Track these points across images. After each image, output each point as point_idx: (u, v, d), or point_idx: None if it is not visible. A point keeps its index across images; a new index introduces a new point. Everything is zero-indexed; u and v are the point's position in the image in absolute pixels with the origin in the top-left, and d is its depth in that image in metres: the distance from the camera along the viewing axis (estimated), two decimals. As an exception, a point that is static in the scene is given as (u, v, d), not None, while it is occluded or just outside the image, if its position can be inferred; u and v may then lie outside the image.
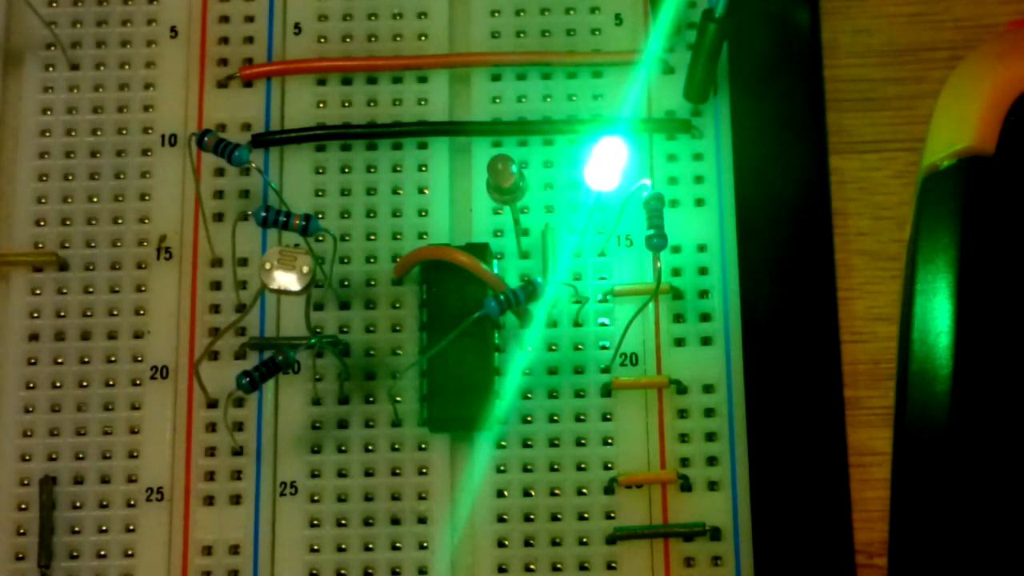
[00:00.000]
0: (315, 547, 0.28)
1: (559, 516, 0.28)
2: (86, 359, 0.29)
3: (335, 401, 0.29)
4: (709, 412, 0.28)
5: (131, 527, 0.28)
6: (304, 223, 0.26)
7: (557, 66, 0.30)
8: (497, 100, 0.30)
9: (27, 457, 0.28)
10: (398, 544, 0.28)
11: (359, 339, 0.29)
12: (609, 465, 0.28)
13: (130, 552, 0.28)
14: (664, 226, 0.26)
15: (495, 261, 0.29)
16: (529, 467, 0.28)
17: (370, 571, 0.28)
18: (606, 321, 0.29)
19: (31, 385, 0.29)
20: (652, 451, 0.28)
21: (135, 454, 0.28)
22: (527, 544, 0.28)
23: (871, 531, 0.28)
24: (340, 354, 0.28)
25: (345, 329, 0.29)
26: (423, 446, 0.28)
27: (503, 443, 0.28)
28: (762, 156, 0.29)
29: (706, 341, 0.29)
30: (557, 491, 0.28)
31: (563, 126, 0.30)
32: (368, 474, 0.28)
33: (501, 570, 0.28)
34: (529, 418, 0.28)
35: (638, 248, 0.29)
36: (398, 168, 0.30)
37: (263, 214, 0.26)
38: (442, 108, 0.30)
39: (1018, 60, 0.28)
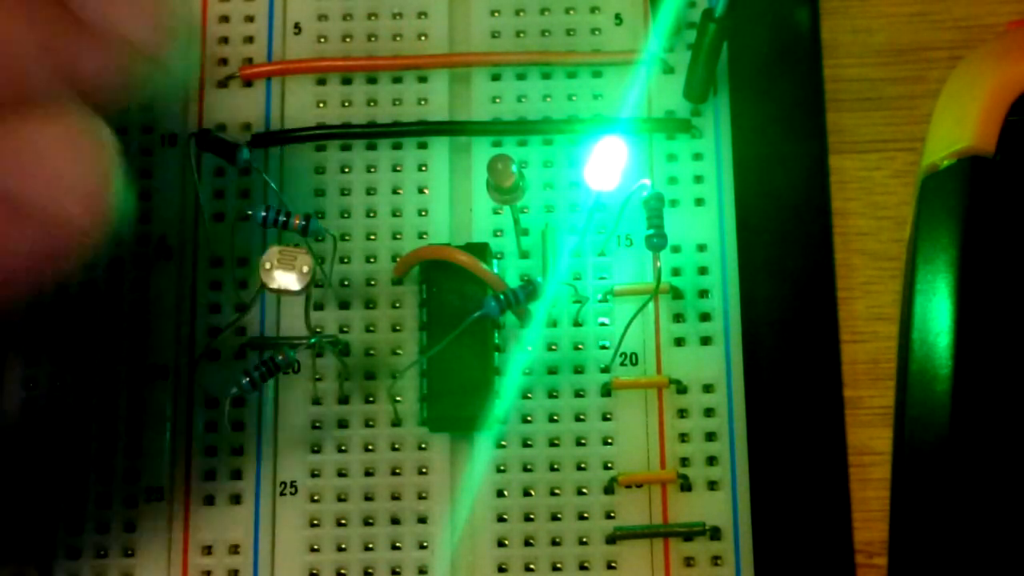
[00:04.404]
0: (315, 547, 0.28)
1: (559, 516, 0.28)
2: (86, 359, 0.29)
3: (335, 401, 0.29)
4: (709, 412, 0.28)
5: (131, 527, 0.28)
6: (304, 223, 0.26)
7: (557, 66, 0.30)
8: (497, 100, 0.30)
9: (27, 457, 0.28)
10: (398, 544, 0.28)
11: (359, 339, 0.29)
12: (609, 465, 0.28)
13: (130, 552, 0.28)
14: (664, 226, 0.27)
15: (495, 261, 0.29)
16: (529, 467, 0.28)
17: (370, 571, 0.28)
18: (606, 321, 0.29)
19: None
20: (652, 451, 0.28)
21: (135, 453, 0.28)
22: (527, 544, 0.28)
23: (871, 531, 0.28)
24: (340, 354, 0.28)
25: (345, 329, 0.29)
26: (423, 446, 0.28)
27: (503, 443, 0.28)
28: (762, 156, 0.29)
29: (706, 341, 0.29)
30: (557, 491, 0.28)
31: (563, 126, 0.30)
32: (368, 474, 0.28)
33: (501, 570, 0.28)
34: (529, 418, 0.28)
35: (638, 248, 0.29)
36: (398, 168, 0.30)
37: (263, 214, 0.26)
38: (442, 108, 0.30)
39: (1018, 60, 0.28)
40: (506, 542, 0.28)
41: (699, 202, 0.30)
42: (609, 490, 0.28)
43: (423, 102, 0.30)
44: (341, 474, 0.28)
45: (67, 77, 0.19)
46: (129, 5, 0.20)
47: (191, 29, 0.22)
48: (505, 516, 0.28)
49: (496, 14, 0.31)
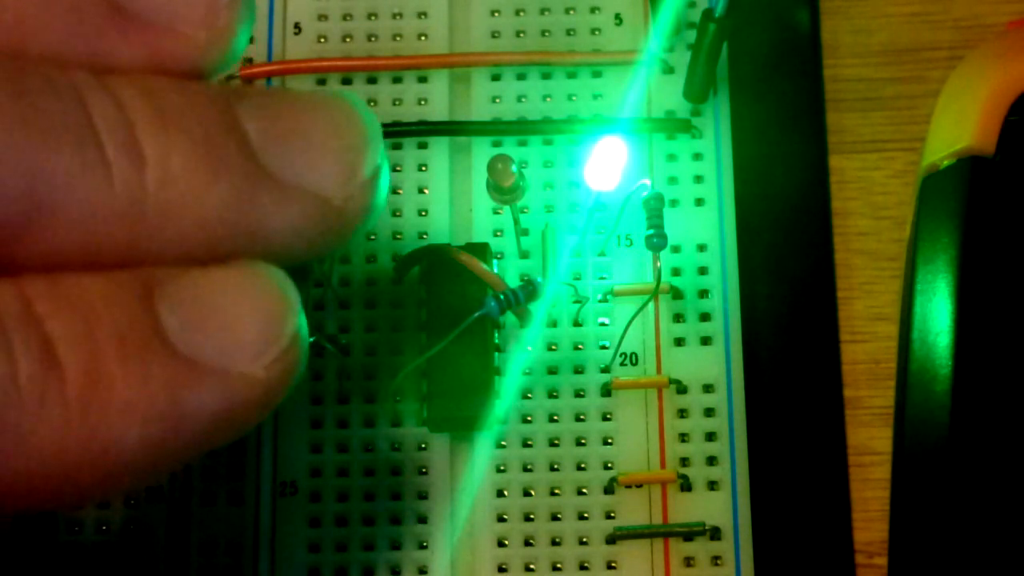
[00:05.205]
0: (315, 547, 0.28)
1: (559, 516, 0.28)
2: (86, 359, 0.29)
3: (335, 401, 0.29)
4: (709, 412, 0.28)
5: (131, 526, 0.28)
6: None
7: (557, 66, 0.30)
8: (497, 100, 0.30)
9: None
10: (398, 544, 0.28)
11: (359, 339, 0.29)
12: (609, 465, 0.28)
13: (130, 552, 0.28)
14: (664, 226, 0.27)
15: (495, 261, 0.29)
16: (529, 467, 0.28)
17: (370, 571, 0.28)
18: (606, 321, 0.29)
19: (31, 385, 0.29)
20: (652, 451, 0.28)
21: (135, 454, 0.28)
22: (527, 544, 0.28)
23: (871, 531, 0.28)
24: (340, 354, 0.28)
25: (345, 329, 0.29)
26: (423, 446, 0.28)
27: (503, 443, 0.28)
28: (762, 156, 0.29)
29: (706, 341, 0.29)
30: (557, 491, 0.28)
31: (563, 126, 0.30)
32: (368, 474, 0.28)
33: (501, 570, 0.28)
34: (529, 418, 0.28)
35: (638, 248, 0.29)
36: (398, 168, 0.30)
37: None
38: (442, 108, 0.30)
39: (1018, 60, 0.28)
40: (506, 542, 0.28)
41: (699, 202, 0.30)
42: (609, 490, 0.28)
43: (423, 102, 0.30)
44: (341, 474, 0.28)
45: (251, 233, 0.18)
46: (320, 157, 0.19)
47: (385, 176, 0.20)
48: (505, 516, 0.28)
49: (496, 14, 0.31)
